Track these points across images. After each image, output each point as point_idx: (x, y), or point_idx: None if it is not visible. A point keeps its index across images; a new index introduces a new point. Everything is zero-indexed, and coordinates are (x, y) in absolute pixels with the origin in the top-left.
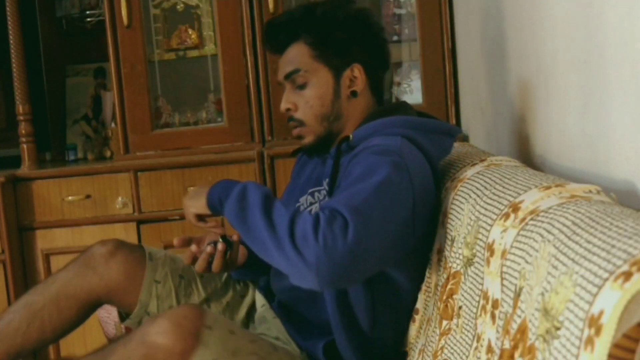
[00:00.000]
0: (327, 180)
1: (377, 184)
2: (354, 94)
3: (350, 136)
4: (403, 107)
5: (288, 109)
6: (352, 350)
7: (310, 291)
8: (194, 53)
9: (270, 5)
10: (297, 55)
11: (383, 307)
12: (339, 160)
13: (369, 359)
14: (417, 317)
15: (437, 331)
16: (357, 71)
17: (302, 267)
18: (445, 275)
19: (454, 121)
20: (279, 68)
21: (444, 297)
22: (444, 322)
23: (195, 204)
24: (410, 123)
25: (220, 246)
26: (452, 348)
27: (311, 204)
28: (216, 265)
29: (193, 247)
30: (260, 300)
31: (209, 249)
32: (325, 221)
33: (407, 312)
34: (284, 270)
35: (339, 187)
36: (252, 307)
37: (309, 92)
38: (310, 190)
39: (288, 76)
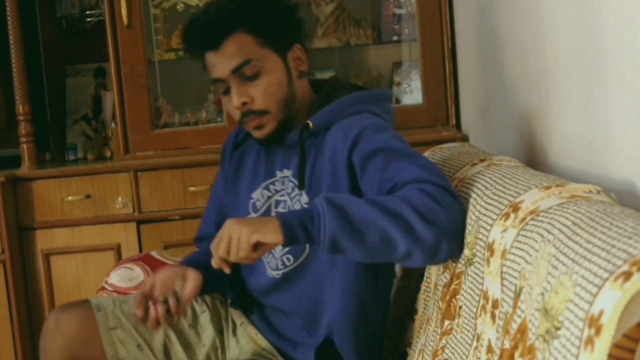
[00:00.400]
0: (286, 170)
1: (404, 145)
2: (301, 74)
3: (310, 124)
4: (338, 82)
5: (244, 103)
6: (355, 349)
7: (314, 292)
8: None
9: None
10: (241, 46)
11: (386, 298)
12: (304, 147)
13: (370, 357)
14: (417, 317)
15: (438, 331)
16: (298, 51)
17: (439, 239)
18: (447, 275)
19: (454, 121)
20: (216, 65)
21: (447, 297)
22: (446, 322)
23: (261, 229)
24: (362, 98)
25: (160, 309)
26: (452, 348)
27: (269, 197)
28: (164, 325)
29: (139, 313)
30: (238, 317)
31: (153, 313)
32: (432, 189)
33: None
34: (417, 258)
35: (365, 171)
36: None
37: (265, 79)
38: (263, 184)
39: (237, 69)
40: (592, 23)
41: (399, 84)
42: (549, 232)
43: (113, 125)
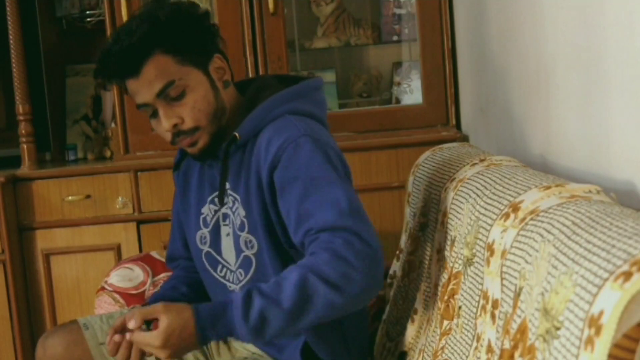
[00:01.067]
0: (229, 184)
1: (328, 172)
2: (226, 83)
3: (237, 135)
4: (262, 82)
5: (175, 125)
6: (328, 351)
7: None
8: None
9: (270, 5)
10: (161, 69)
11: None
12: (227, 162)
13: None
14: (416, 317)
15: (438, 331)
16: (219, 61)
17: (357, 298)
18: (446, 275)
19: (454, 121)
20: (139, 91)
21: (445, 297)
22: (445, 322)
23: (185, 348)
24: (286, 97)
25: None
26: (452, 348)
27: (215, 211)
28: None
29: (117, 337)
30: None
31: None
32: (343, 247)
33: None
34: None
35: (283, 196)
36: None
37: (191, 97)
38: (209, 198)
39: (161, 93)
40: (591, 23)
41: (399, 84)
42: (548, 232)
43: (113, 125)
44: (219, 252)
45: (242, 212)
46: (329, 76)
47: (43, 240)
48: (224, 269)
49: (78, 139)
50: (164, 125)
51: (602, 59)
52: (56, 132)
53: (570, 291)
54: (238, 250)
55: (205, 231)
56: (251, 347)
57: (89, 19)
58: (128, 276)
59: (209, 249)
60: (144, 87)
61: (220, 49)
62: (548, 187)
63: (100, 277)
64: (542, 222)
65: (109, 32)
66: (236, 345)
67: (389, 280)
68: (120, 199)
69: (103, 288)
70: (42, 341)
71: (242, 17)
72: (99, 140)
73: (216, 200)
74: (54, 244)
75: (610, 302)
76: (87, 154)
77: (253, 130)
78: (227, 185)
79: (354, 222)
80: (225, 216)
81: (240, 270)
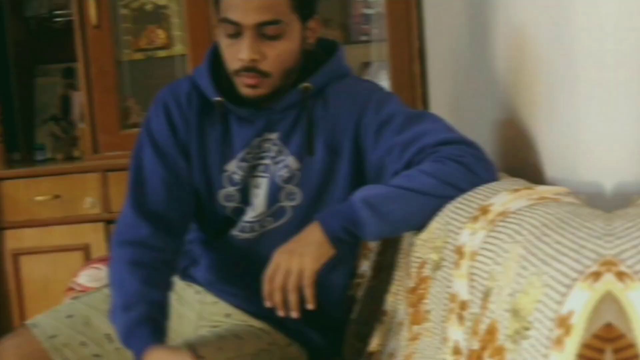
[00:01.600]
0: (267, 133)
1: (412, 110)
2: (308, 45)
3: (310, 86)
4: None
5: (254, 60)
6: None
7: None
8: (162, 53)
9: None
10: (277, 3)
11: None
12: (307, 112)
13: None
14: (386, 319)
15: (407, 335)
16: (316, 23)
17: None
18: (415, 280)
19: None
20: (240, 8)
21: (414, 302)
22: (414, 327)
23: (316, 252)
24: (342, 59)
25: None
26: (421, 353)
27: (247, 169)
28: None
29: None
30: (192, 287)
31: None
32: (465, 154)
33: None
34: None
35: (381, 136)
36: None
37: (283, 44)
38: (240, 155)
39: (264, 24)
40: (560, 24)
41: None
42: (518, 232)
43: (82, 125)
44: (247, 204)
45: (294, 164)
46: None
47: (12, 240)
48: (241, 223)
49: (47, 139)
50: (244, 54)
51: (571, 59)
52: (25, 132)
53: (539, 291)
54: (273, 201)
55: (232, 189)
56: (233, 311)
57: (57, 19)
58: (97, 276)
59: (238, 205)
60: (249, 8)
61: (319, 12)
62: (517, 190)
63: (69, 277)
64: (512, 223)
65: (77, 32)
66: (211, 309)
67: (358, 280)
68: (89, 199)
69: (72, 288)
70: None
71: (210, 17)
72: (67, 141)
73: (248, 156)
74: (23, 244)
75: (580, 302)
76: (56, 154)
77: (323, 83)
78: (271, 135)
79: (462, 137)
80: (254, 167)
81: (269, 218)
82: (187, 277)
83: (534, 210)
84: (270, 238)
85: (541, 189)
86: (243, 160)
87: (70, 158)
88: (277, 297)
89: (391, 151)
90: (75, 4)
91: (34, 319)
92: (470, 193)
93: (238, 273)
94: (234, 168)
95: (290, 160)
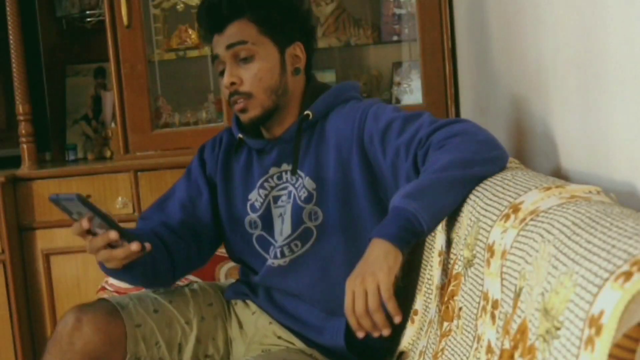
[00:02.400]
0: (285, 165)
1: (406, 112)
2: (297, 71)
3: (310, 113)
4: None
5: (233, 83)
6: None
7: (325, 274)
8: (193, 53)
9: None
10: (241, 30)
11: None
12: (300, 138)
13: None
14: (416, 318)
15: (438, 333)
16: (298, 49)
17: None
18: (445, 277)
19: None
20: (216, 43)
21: (445, 299)
22: (445, 324)
23: (386, 263)
24: (348, 88)
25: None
26: (452, 350)
27: (266, 195)
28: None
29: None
30: (244, 308)
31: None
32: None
33: None
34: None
35: (387, 142)
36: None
37: (257, 64)
38: (258, 183)
39: (231, 46)
40: (592, 22)
41: (399, 84)
42: (549, 232)
43: (113, 125)
44: (272, 234)
45: (311, 185)
46: (329, 76)
47: (43, 240)
48: (272, 247)
49: (78, 139)
50: (225, 80)
51: (602, 58)
52: (56, 132)
53: (570, 291)
54: (298, 222)
55: (254, 216)
56: (284, 333)
57: (89, 19)
58: None
59: (261, 232)
60: (222, 40)
61: (307, 41)
62: (548, 188)
63: (100, 277)
64: (542, 222)
65: (108, 32)
66: (265, 329)
67: None
68: (120, 199)
69: (103, 288)
70: (75, 323)
71: None
72: (98, 140)
73: (266, 184)
74: (54, 244)
75: (611, 302)
76: (87, 154)
77: (325, 108)
78: (286, 167)
79: (443, 120)
80: (277, 198)
81: (296, 241)
82: (245, 296)
83: (565, 209)
84: (301, 264)
85: (572, 188)
86: (261, 187)
87: (101, 158)
88: (366, 323)
89: (398, 153)
90: (106, 4)
91: (119, 299)
92: (499, 190)
93: (282, 299)
94: (255, 196)
95: (307, 181)
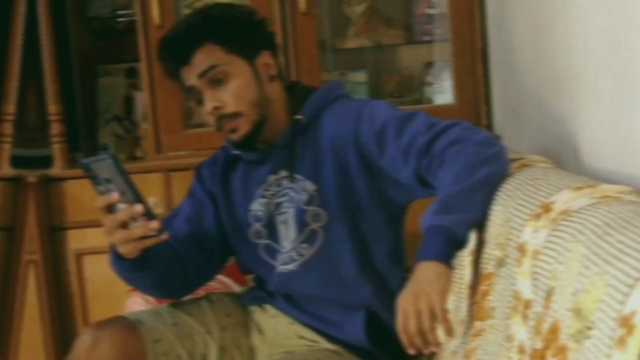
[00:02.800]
0: (282, 171)
1: (400, 110)
2: (271, 78)
3: (301, 118)
4: (302, 84)
5: (217, 108)
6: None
7: (337, 271)
8: None
9: (302, 5)
10: (208, 55)
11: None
12: (296, 144)
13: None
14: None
15: (470, 332)
16: (267, 57)
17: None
18: (478, 277)
19: (485, 121)
20: (187, 75)
21: (477, 299)
22: (477, 324)
23: (437, 282)
24: (334, 88)
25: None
26: (484, 349)
27: (267, 204)
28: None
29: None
30: (263, 313)
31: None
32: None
33: None
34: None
35: (384, 144)
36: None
37: (233, 83)
38: (258, 193)
39: (204, 74)
40: (623, 23)
41: (430, 84)
42: (580, 232)
43: (144, 125)
44: (278, 241)
45: (311, 187)
46: (361, 76)
47: (75, 240)
48: (280, 255)
49: (110, 139)
50: (207, 107)
51: (633, 57)
52: (88, 132)
53: (602, 291)
54: (302, 225)
55: (258, 226)
56: (306, 333)
57: (120, 19)
58: None
59: (268, 241)
60: (191, 70)
61: (271, 47)
62: (580, 188)
63: None
64: (574, 222)
65: (140, 32)
66: (286, 330)
67: None
68: (152, 199)
69: (135, 289)
70: (93, 341)
71: (273, 17)
72: (130, 141)
73: (265, 192)
74: (86, 244)
75: None
76: (118, 154)
77: (315, 111)
78: (284, 173)
79: (440, 122)
80: (279, 204)
81: (303, 244)
82: (263, 300)
83: (597, 209)
84: (311, 266)
85: (604, 188)
86: (262, 196)
87: (133, 158)
88: (418, 341)
89: (396, 156)
90: (138, 4)
91: (136, 315)
92: (530, 189)
93: (300, 299)
94: (257, 206)
95: (307, 184)
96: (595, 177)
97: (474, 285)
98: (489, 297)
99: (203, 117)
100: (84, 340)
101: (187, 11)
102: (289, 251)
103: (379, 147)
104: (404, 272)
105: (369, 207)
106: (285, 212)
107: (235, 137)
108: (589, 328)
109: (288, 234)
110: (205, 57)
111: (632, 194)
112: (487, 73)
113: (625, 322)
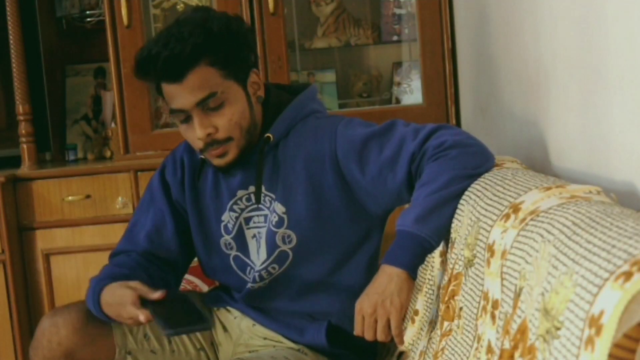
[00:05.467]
0: (252, 187)
1: (376, 125)
2: (259, 99)
3: (271, 136)
4: (276, 89)
5: (209, 134)
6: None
7: (302, 288)
8: None
9: (270, 5)
10: (205, 79)
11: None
12: (263, 163)
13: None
14: (417, 318)
15: (439, 332)
16: (255, 76)
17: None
18: (446, 277)
19: (454, 121)
20: (178, 96)
21: (446, 299)
22: (445, 323)
23: (398, 287)
24: (305, 100)
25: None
26: (452, 349)
27: (236, 217)
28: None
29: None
30: (232, 313)
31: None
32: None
33: None
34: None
35: (365, 161)
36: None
37: (229, 110)
38: (228, 205)
39: (202, 102)
40: (591, 22)
41: (399, 84)
42: (549, 232)
43: (113, 125)
44: (247, 255)
45: (280, 209)
46: (329, 76)
47: (43, 240)
48: (251, 270)
49: (78, 139)
50: (198, 133)
51: (602, 58)
52: (56, 132)
53: (570, 291)
54: (272, 247)
55: (228, 238)
56: (269, 333)
57: (88, 19)
58: None
59: (237, 253)
60: (185, 93)
61: (257, 62)
62: (548, 188)
63: None
64: (543, 222)
65: (109, 32)
66: (249, 331)
67: None
68: (120, 199)
69: None
70: (50, 321)
71: (242, 17)
72: (99, 140)
73: (235, 206)
74: (54, 244)
75: (611, 302)
76: (87, 154)
77: (285, 129)
78: (252, 189)
79: (425, 129)
80: (248, 220)
81: (273, 265)
82: (226, 303)
83: (565, 210)
84: (280, 283)
85: (572, 188)
86: (231, 210)
87: (101, 158)
88: (369, 339)
89: (381, 171)
90: (106, 4)
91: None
92: (499, 190)
93: (263, 306)
94: (227, 218)
95: (277, 206)
96: (564, 177)
97: (444, 286)
98: (457, 297)
99: (187, 136)
100: (43, 327)
101: (155, 12)
102: (259, 270)
103: (359, 164)
104: None
105: (343, 224)
106: (255, 227)
107: (221, 162)
108: (558, 328)
109: (259, 254)
110: (202, 80)
111: (600, 194)
112: (456, 73)
113: (594, 322)
